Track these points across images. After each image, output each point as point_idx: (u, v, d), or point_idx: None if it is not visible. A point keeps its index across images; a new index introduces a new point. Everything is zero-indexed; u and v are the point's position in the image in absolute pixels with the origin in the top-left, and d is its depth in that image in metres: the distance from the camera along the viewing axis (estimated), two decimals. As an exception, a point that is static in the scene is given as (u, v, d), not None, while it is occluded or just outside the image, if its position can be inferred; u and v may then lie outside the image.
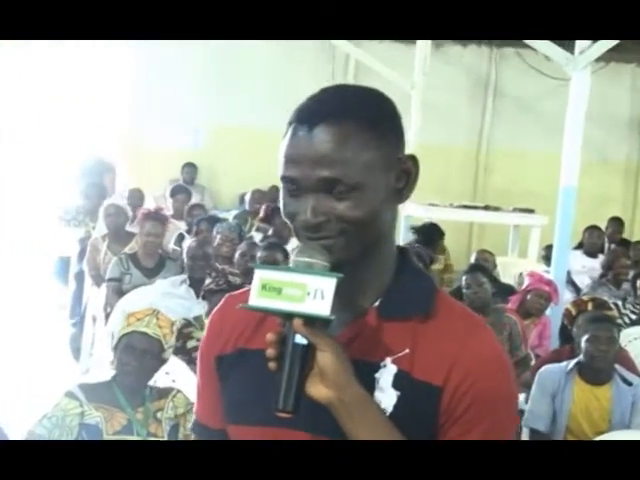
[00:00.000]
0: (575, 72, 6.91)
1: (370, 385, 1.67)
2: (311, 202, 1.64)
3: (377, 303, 1.72)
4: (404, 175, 1.70)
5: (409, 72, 10.80)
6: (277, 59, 12.40)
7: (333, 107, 1.66)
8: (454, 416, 1.66)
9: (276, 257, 6.24)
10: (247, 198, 9.90)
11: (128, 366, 3.91)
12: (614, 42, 6.90)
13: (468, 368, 1.65)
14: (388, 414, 1.66)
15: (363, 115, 1.66)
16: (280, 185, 1.70)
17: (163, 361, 4.01)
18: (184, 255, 6.53)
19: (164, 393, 4.02)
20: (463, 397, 1.65)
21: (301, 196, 1.66)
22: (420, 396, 1.66)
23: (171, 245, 8.28)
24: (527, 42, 7.03)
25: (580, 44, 6.86)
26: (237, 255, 6.79)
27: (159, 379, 4.06)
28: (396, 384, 1.67)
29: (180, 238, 8.53)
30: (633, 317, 7.36)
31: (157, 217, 7.21)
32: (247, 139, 12.35)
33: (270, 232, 8.87)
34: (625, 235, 11.20)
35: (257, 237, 8.59)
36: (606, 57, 6.80)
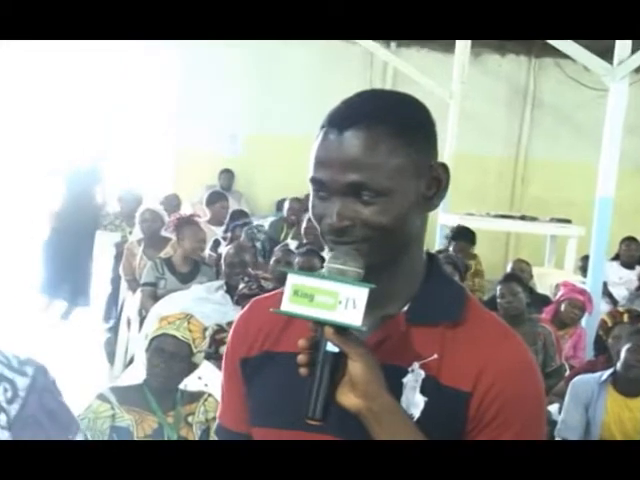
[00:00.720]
0: (613, 83, 6.87)
1: (397, 389, 1.67)
2: (337, 206, 1.65)
3: (405, 308, 1.72)
4: (434, 183, 1.71)
5: (447, 81, 10.78)
6: (314, 67, 12.46)
7: (364, 112, 1.67)
8: (482, 422, 1.66)
9: (313, 263, 6.24)
10: (285, 206, 9.90)
11: (157, 368, 3.93)
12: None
13: (497, 375, 1.65)
14: (415, 419, 1.66)
15: (394, 121, 1.66)
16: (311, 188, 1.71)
17: (193, 365, 4.02)
18: (221, 261, 6.56)
19: (195, 397, 4.03)
20: (492, 404, 1.65)
21: (329, 199, 1.66)
22: (448, 402, 1.66)
23: (207, 251, 8.30)
24: (566, 52, 6.97)
25: (619, 54, 6.82)
26: (272, 261, 6.81)
27: (190, 383, 4.07)
28: (424, 389, 1.67)
29: (216, 244, 8.56)
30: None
31: (189, 222, 7.23)
32: (284, 147, 12.38)
33: (305, 240, 8.85)
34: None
35: (292, 245, 8.58)
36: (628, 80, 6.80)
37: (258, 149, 12.49)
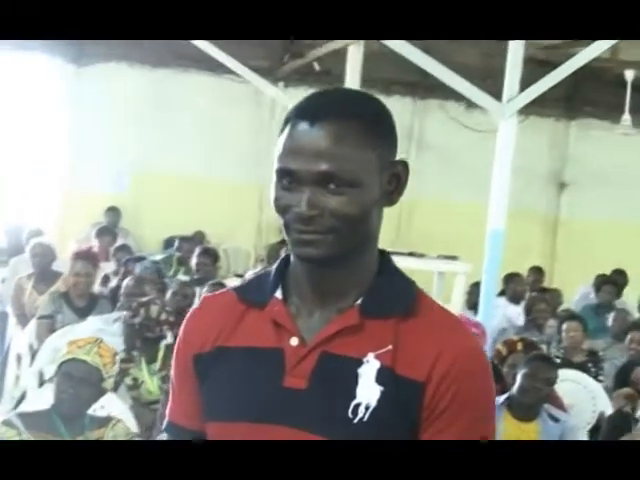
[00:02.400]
0: (503, 119, 7.08)
1: (353, 380, 1.70)
2: (307, 194, 1.68)
3: (359, 301, 1.76)
4: (394, 179, 1.76)
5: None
6: (203, 105, 12.45)
7: (335, 105, 1.72)
8: (436, 411, 1.70)
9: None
10: (175, 244, 9.97)
11: (65, 394, 3.88)
12: (541, 90, 7.10)
13: (450, 364, 1.70)
14: (371, 409, 1.69)
15: (363, 115, 1.72)
16: (275, 179, 1.75)
17: (103, 390, 3.98)
18: (119, 293, 6.52)
19: (104, 422, 3.98)
20: (445, 392, 1.69)
21: (296, 189, 1.70)
22: (403, 391, 1.70)
23: (97, 287, 8.20)
24: (455, 89, 7.16)
25: (508, 92, 7.03)
26: (169, 294, 6.78)
27: (99, 408, 4.02)
28: (379, 379, 1.70)
29: (105, 279, 8.47)
30: (558, 360, 7.49)
31: (88, 256, 7.16)
32: (171, 185, 12.35)
33: (196, 276, 8.83)
34: (545, 284, 11.39)
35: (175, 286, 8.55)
36: (526, 111, 7.02)
37: (145, 187, 12.41)
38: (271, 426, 1.72)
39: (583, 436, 5.83)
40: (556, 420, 5.13)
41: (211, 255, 9.12)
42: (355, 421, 1.69)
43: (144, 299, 5.86)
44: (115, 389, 4.88)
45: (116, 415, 4.21)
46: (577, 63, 7.31)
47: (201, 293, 6.61)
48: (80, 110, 12.24)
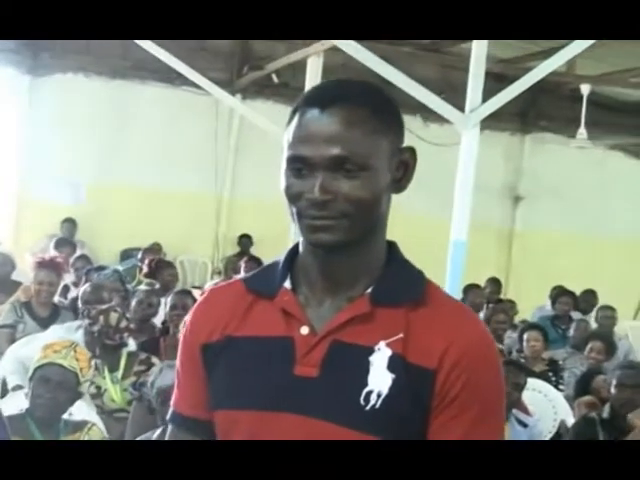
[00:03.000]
0: (466, 130, 7.14)
1: (365, 368, 1.71)
2: (319, 179, 1.69)
3: (370, 290, 1.76)
4: (402, 166, 1.77)
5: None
6: (160, 116, 12.41)
7: (344, 92, 1.74)
8: (447, 399, 1.70)
9: (186, 302, 6.23)
10: (139, 256, 9.90)
11: (42, 398, 3.84)
12: (504, 101, 7.18)
13: (461, 352, 1.71)
14: (383, 396, 1.69)
15: (372, 102, 1.74)
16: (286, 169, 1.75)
17: (78, 394, 3.95)
18: (79, 303, 6.47)
19: (79, 426, 3.95)
20: (456, 381, 1.70)
21: (308, 176, 1.70)
22: (414, 379, 1.70)
23: (56, 298, 8.12)
24: (420, 99, 7.20)
25: (470, 103, 7.09)
26: (134, 303, 6.74)
27: (74, 412, 3.99)
28: (390, 367, 1.71)
29: (65, 290, 8.41)
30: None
31: (51, 266, 7.10)
32: (128, 196, 12.30)
33: (157, 286, 8.78)
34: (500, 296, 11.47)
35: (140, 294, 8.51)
36: (482, 125, 7.10)
37: (101, 199, 12.34)
38: (282, 414, 1.72)
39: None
40: (524, 425, 5.17)
41: (171, 267, 9.09)
42: (367, 408, 1.69)
43: (103, 307, 5.82)
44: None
45: (90, 420, 4.17)
46: (538, 75, 7.39)
47: (166, 302, 6.58)
48: (36, 121, 12.15)
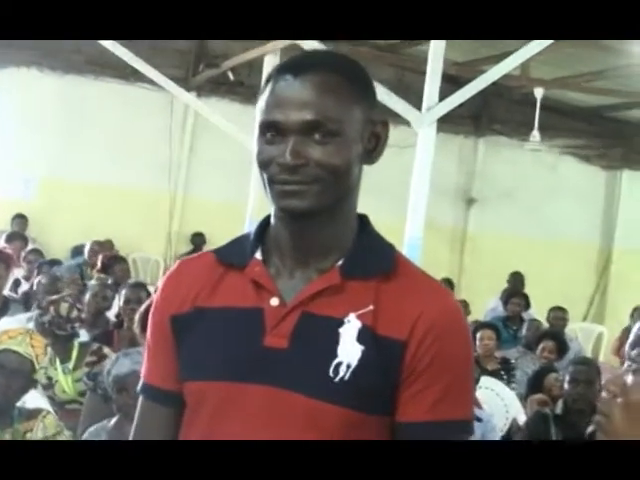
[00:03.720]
0: (422, 128, 7.16)
1: (334, 340, 1.71)
2: (291, 144, 1.68)
3: (340, 262, 1.76)
4: (374, 137, 1.77)
5: (250, 127, 10.89)
6: (113, 111, 12.33)
7: (318, 60, 1.76)
8: (417, 371, 1.71)
9: (140, 295, 6.19)
10: (86, 248, 9.79)
11: None
12: (460, 100, 7.21)
13: (431, 324, 1.71)
14: (352, 368, 1.69)
15: (345, 70, 1.75)
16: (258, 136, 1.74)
17: (33, 382, 3.90)
18: (34, 294, 6.41)
19: (34, 414, 3.89)
20: (426, 352, 1.70)
21: (280, 141, 1.70)
22: (384, 350, 1.70)
23: (6, 291, 8.03)
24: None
25: (427, 101, 7.11)
26: (88, 296, 6.69)
27: (28, 400, 3.94)
28: (360, 339, 1.70)
29: (16, 284, 8.32)
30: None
31: (1, 258, 6.98)
32: (79, 193, 12.23)
33: (110, 281, 8.72)
34: (453, 297, 11.53)
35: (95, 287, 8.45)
36: (436, 128, 7.14)
37: (52, 194, 12.25)
38: (251, 385, 1.71)
39: (497, 441, 5.90)
40: (478, 420, 5.18)
41: (123, 262, 9.05)
42: (336, 380, 1.69)
43: (54, 297, 5.76)
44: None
45: (44, 407, 4.13)
46: (494, 76, 7.43)
47: (120, 295, 6.53)
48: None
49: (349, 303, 1.73)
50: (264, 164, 1.72)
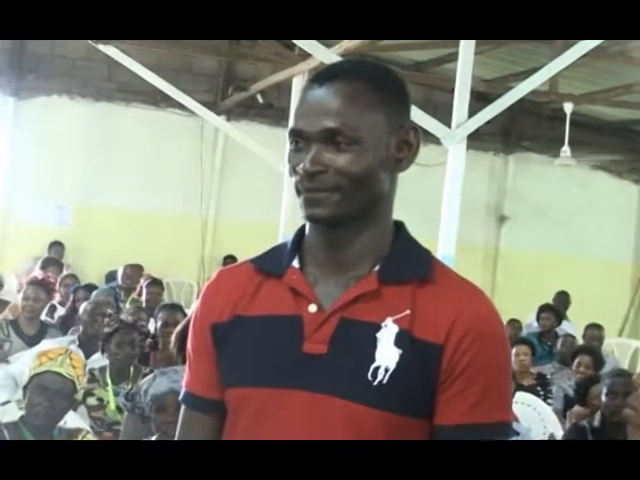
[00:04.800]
0: (452, 145, 7.18)
1: (372, 344, 1.73)
2: (312, 152, 1.72)
3: (377, 268, 1.78)
4: (405, 145, 1.79)
5: (279, 150, 10.93)
6: (144, 137, 12.43)
7: (343, 69, 1.78)
8: (454, 374, 1.72)
9: (177, 317, 6.23)
10: (120, 272, 9.89)
11: (39, 407, 3.81)
12: (489, 117, 7.23)
13: (468, 328, 1.72)
14: (391, 371, 1.71)
15: (371, 77, 1.76)
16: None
17: (75, 402, 3.94)
18: (81, 318, 6.53)
19: (73, 434, 3.93)
20: (463, 355, 1.72)
21: (304, 149, 1.73)
22: (421, 354, 1.72)
23: (43, 316, 8.12)
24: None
25: (457, 118, 7.14)
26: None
27: (69, 420, 3.98)
28: (398, 342, 1.72)
29: (52, 309, 8.39)
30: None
31: (40, 283, 7.10)
32: (113, 218, 12.30)
33: (145, 305, 8.79)
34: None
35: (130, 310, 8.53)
36: (466, 145, 7.16)
37: (87, 221, 12.34)
38: (291, 390, 1.73)
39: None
40: (517, 433, 5.16)
41: (158, 285, 9.11)
42: (375, 384, 1.71)
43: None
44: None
45: (83, 427, 4.16)
46: (522, 92, 7.45)
47: (156, 318, 6.57)
48: (21, 143, 12.16)
49: (386, 308, 1.74)
50: (291, 172, 1.76)
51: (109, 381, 5.37)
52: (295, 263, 1.81)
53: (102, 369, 5.54)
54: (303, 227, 1.85)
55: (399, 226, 1.85)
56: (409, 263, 1.79)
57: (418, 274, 1.78)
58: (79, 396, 3.95)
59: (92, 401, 5.27)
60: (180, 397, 1.93)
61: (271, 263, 1.84)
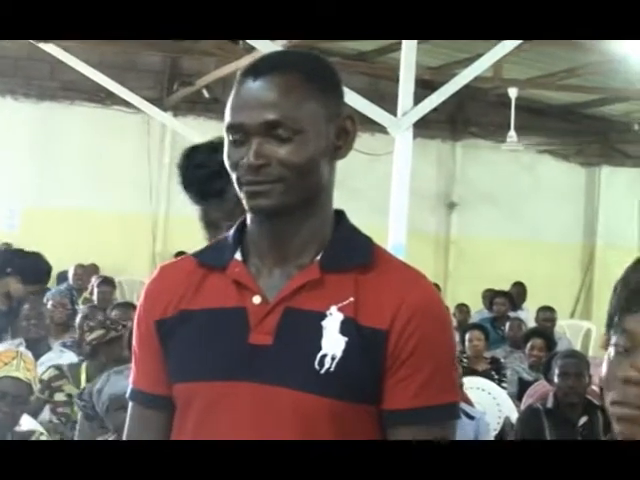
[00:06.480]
0: (398, 133, 7.20)
1: (318, 333, 1.73)
2: (254, 145, 1.72)
3: (319, 257, 1.79)
4: (343, 133, 1.80)
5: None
6: (90, 136, 12.33)
7: (277, 61, 1.79)
8: (400, 359, 1.73)
9: (130, 314, 6.20)
10: (70, 273, 9.83)
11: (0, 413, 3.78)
12: (434, 104, 7.26)
13: (412, 312, 1.74)
14: (337, 359, 1.72)
15: (307, 69, 1.77)
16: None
17: (29, 404, 3.91)
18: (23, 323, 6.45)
19: (27, 436, 3.90)
20: (408, 340, 1.73)
21: (245, 143, 1.73)
22: (367, 340, 1.73)
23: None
24: (351, 104, 7.23)
25: (402, 106, 7.15)
26: (78, 319, 6.70)
27: (23, 423, 3.94)
28: (343, 330, 1.73)
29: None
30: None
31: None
32: (61, 219, 12.20)
33: (96, 303, 8.75)
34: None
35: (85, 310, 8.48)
36: (413, 133, 7.17)
37: (36, 222, 12.22)
38: (239, 383, 1.74)
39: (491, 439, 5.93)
40: (471, 417, 5.21)
41: (110, 284, 9.06)
42: (322, 372, 1.71)
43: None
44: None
45: (36, 428, 4.13)
46: (466, 78, 7.50)
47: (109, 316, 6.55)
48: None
49: (330, 296, 1.75)
50: (232, 166, 1.76)
51: (83, 377, 5.33)
52: (237, 256, 1.81)
53: (72, 366, 5.50)
54: (244, 220, 1.85)
55: (339, 215, 1.86)
56: (351, 251, 1.80)
57: (360, 261, 1.78)
58: (33, 398, 3.90)
59: (60, 397, 5.23)
60: (127, 394, 1.92)
61: (213, 257, 1.84)
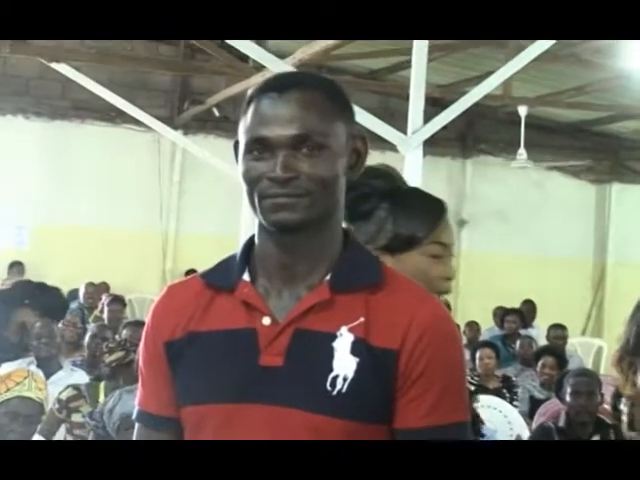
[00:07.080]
0: (408, 152, 7.19)
1: (329, 354, 1.73)
2: (281, 158, 1.71)
3: (328, 277, 1.79)
4: (355, 152, 1.82)
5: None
6: (100, 155, 12.35)
7: (298, 79, 1.80)
8: (411, 378, 1.73)
9: (140, 334, 6.16)
10: (81, 291, 9.83)
11: (12, 433, 3.76)
12: (445, 122, 7.26)
13: (422, 331, 1.74)
14: (349, 380, 1.71)
15: (324, 87, 1.79)
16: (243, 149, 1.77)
17: (40, 422, 3.92)
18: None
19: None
20: (419, 359, 1.73)
21: (268, 157, 1.73)
22: (378, 360, 1.73)
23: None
24: (361, 123, 7.23)
25: (412, 124, 7.15)
26: (87, 337, 6.69)
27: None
28: (354, 351, 1.73)
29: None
30: (472, 388, 7.59)
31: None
32: (72, 237, 12.22)
33: (106, 322, 8.76)
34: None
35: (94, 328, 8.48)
36: (423, 151, 7.18)
37: (46, 240, 12.25)
38: (250, 405, 1.73)
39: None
40: (482, 436, 5.17)
41: (120, 302, 9.07)
42: (334, 393, 1.71)
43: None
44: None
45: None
46: (477, 95, 7.50)
47: (120, 335, 6.53)
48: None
49: (340, 317, 1.75)
50: (254, 180, 1.74)
51: (101, 398, 5.29)
52: (245, 276, 1.81)
53: (89, 386, 5.43)
54: (251, 238, 1.85)
55: (347, 233, 1.86)
56: (360, 270, 1.80)
57: (370, 281, 1.79)
58: (62, 415, 3.90)
59: (77, 418, 5.13)
60: (134, 415, 1.92)
61: (221, 277, 1.84)
